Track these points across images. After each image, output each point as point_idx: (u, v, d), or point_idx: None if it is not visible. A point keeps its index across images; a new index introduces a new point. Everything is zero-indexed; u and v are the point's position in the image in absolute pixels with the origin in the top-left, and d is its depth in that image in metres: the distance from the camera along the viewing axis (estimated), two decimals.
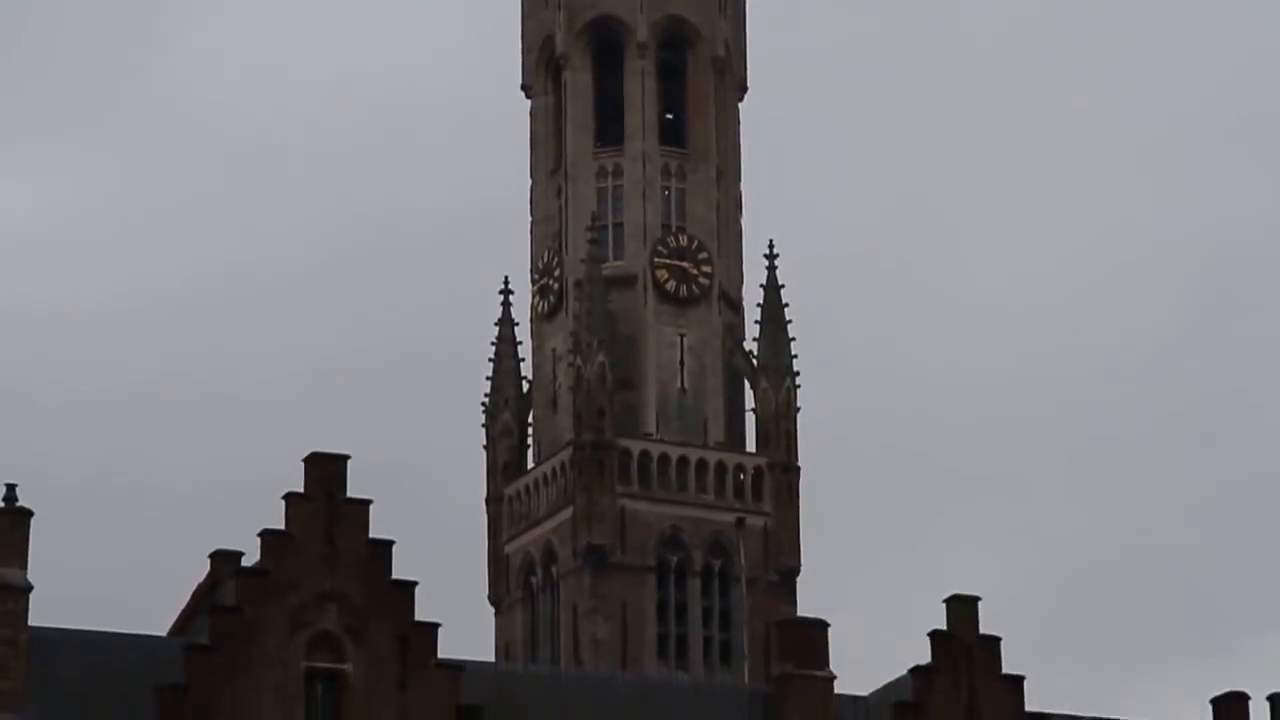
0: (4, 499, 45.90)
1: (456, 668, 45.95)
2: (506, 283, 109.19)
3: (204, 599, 48.68)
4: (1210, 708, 54.35)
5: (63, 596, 51.78)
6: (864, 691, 51.95)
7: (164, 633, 50.36)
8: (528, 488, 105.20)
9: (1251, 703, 53.49)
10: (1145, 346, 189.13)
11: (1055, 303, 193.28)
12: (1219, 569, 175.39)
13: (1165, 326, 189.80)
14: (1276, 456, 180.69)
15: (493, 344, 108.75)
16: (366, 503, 45.57)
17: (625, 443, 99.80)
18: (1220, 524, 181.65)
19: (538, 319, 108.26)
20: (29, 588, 45.44)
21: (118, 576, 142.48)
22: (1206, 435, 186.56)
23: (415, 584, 45.63)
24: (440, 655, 45.66)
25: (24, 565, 45.51)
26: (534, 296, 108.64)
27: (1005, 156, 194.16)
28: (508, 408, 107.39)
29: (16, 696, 44.31)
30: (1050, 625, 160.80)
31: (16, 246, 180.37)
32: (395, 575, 45.54)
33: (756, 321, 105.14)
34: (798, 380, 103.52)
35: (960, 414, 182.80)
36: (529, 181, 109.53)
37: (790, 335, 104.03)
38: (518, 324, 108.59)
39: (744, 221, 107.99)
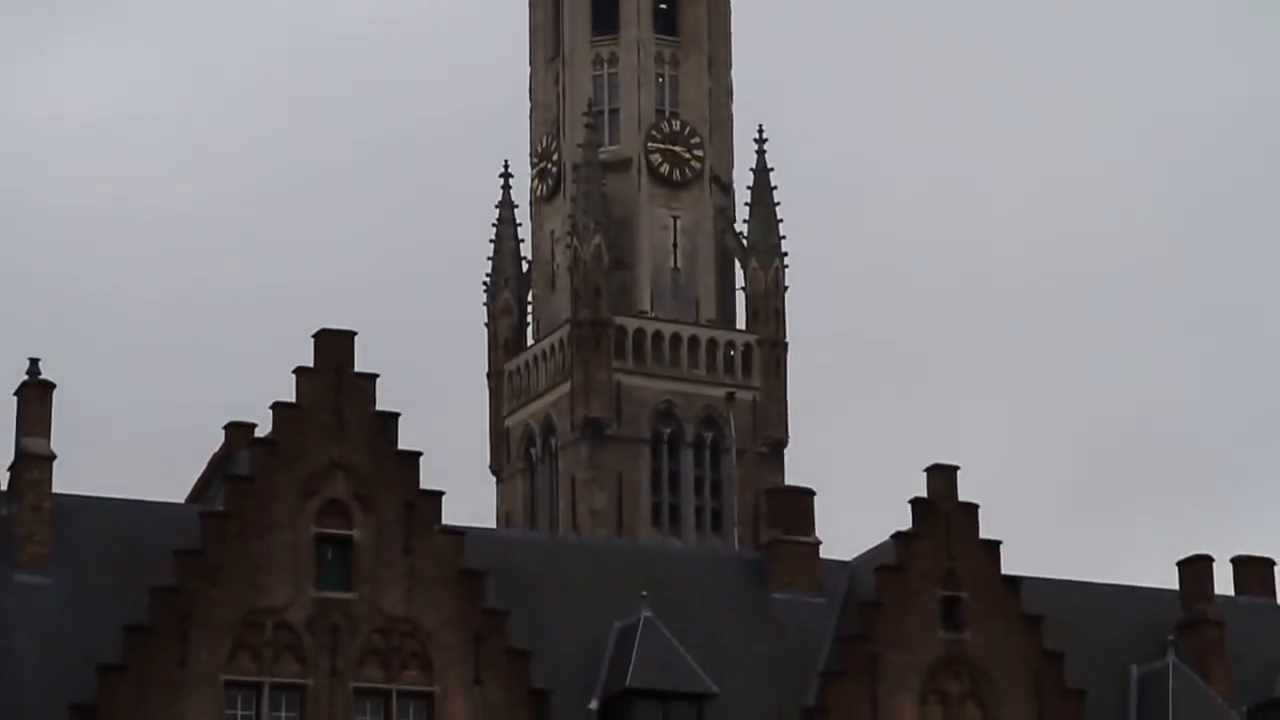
0: (28, 372, 46.40)
1: (459, 534, 46.01)
2: (506, 167, 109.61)
3: (219, 468, 48.93)
4: (1175, 569, 54.61)
5: (86, 465, 52.29)
6: (848, 556, 52.02)
7: (182, 500, 50.60)
8: (527, 364, 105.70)
9: (1215, 564, 53.72)
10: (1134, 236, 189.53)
11: (1039, 184, 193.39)
12: (1203, 439, 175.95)
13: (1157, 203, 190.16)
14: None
15: (493, 226, 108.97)
16: (373, 377, 45.65)
17: (621, 320, 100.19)
18: (1209, 397, 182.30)
19: (537, 202, 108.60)
20: (53, 456, 45.84)
21: (139, 447, 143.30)
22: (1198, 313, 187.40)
23: (420, 454, 45.64)
24: (444, 522, 45.71)
25: (48, 435, 46.02)
26: (533, 181, 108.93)
27: (995, 34, 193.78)
28: (508, 287, 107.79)
29: (43, 559, 44.78)
30: (1034, 493, 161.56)
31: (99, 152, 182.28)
32: (401, 446, 45.59)
33: (746, 204, 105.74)
34: (786, 260, 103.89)
35: (947, 290, 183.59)
36: (528, 70, 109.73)
37: (779, 217, 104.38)
38: (517, 207, 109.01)
39: (734, 107, 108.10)
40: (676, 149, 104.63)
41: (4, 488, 46.08)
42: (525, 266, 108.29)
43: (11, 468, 45.96)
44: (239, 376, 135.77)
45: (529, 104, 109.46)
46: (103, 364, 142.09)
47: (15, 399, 46.29)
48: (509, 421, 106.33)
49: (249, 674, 43.23)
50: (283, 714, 43.35)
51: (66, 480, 46.21)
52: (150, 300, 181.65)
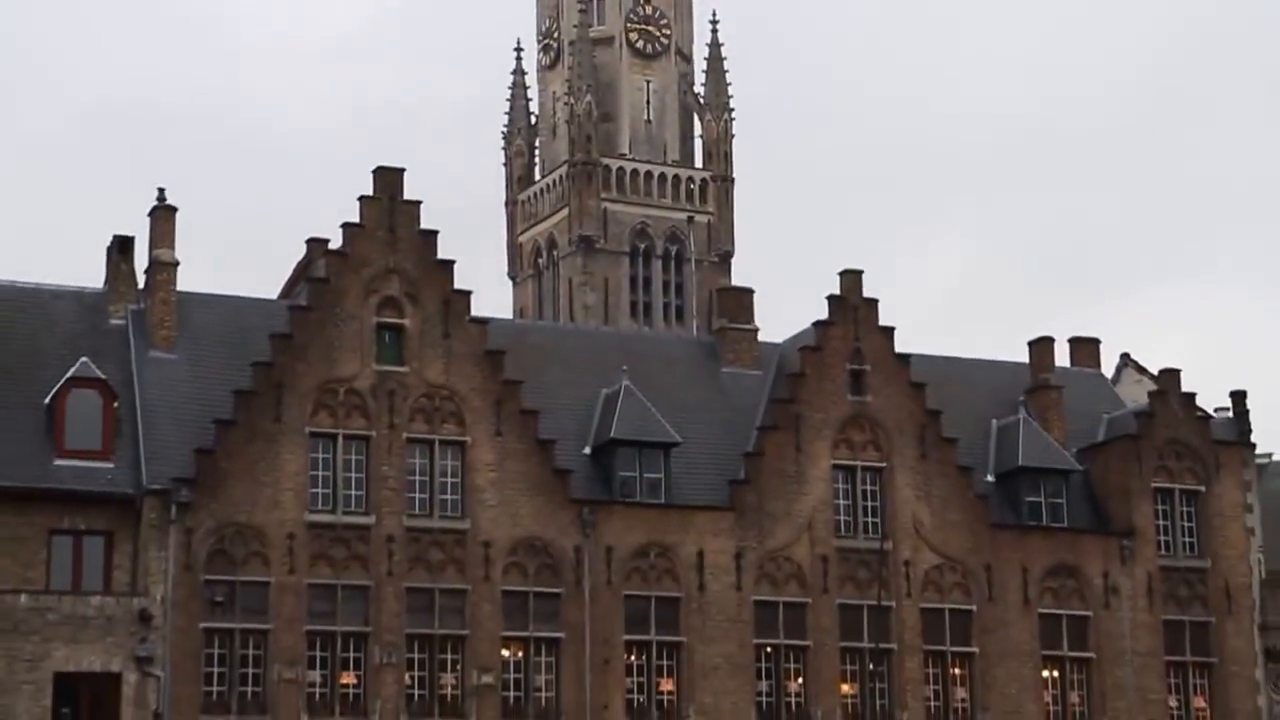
0: (157, 199, 46.95)
1: (483, 323, 46.43)
2: (518, 43, 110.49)
3: (303, 273, 49.15)
4: (1067, 346, 55.25)
5: (203, 269, 52.76)
6: (780, 339, 52.07)
7: (275, 296, 51.13)
8: (535, 194, 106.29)
9: (1056, 344, 53.93)
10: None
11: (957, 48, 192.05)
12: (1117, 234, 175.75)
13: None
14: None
15: (509, 89, 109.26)
16: (418, 203, 45.82)
17: (607, 161, 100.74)
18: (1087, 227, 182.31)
19: (542, 70, 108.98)
20: (176, 262, 46.18)
21: (242, 255, 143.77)
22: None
23: (454, 262, 45.89)
24: (472, 314, 46.04)
25: (173, 246, 46.48)
26: (539, 53, 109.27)
27: None
28: (520, 135, 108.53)
29: (171, 341, 45.43)
30: (930, 294, 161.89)
31: None
32: (440, 256, 45.79)
33: (703, 70, 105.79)
34: (733, 114, 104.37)
35: (870, 137, 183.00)
36: None
37: (728, 81, 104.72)
38: (527, 74, 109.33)
39: None
40: (649, 28, 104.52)
41: (142, 287, 46.78)
42: (533, 120, 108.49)
43: (146, 271, 46.63)
44: (318, 200, 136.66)
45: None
46: (216, 186, 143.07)
47: (148, 219, 46.97)
48: (522, 238, 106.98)
49: (327, 427, 43.82)
50: (352, 458, 43.90)
51: (188, 281, 46.84)
52: (249, 132, 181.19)
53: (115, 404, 43.46)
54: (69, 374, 43.42)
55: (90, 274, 47.55)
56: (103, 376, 43.66)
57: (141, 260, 47.08)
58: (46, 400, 43.34)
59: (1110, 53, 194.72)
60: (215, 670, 41.89)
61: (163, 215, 46.57)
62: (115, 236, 47.40)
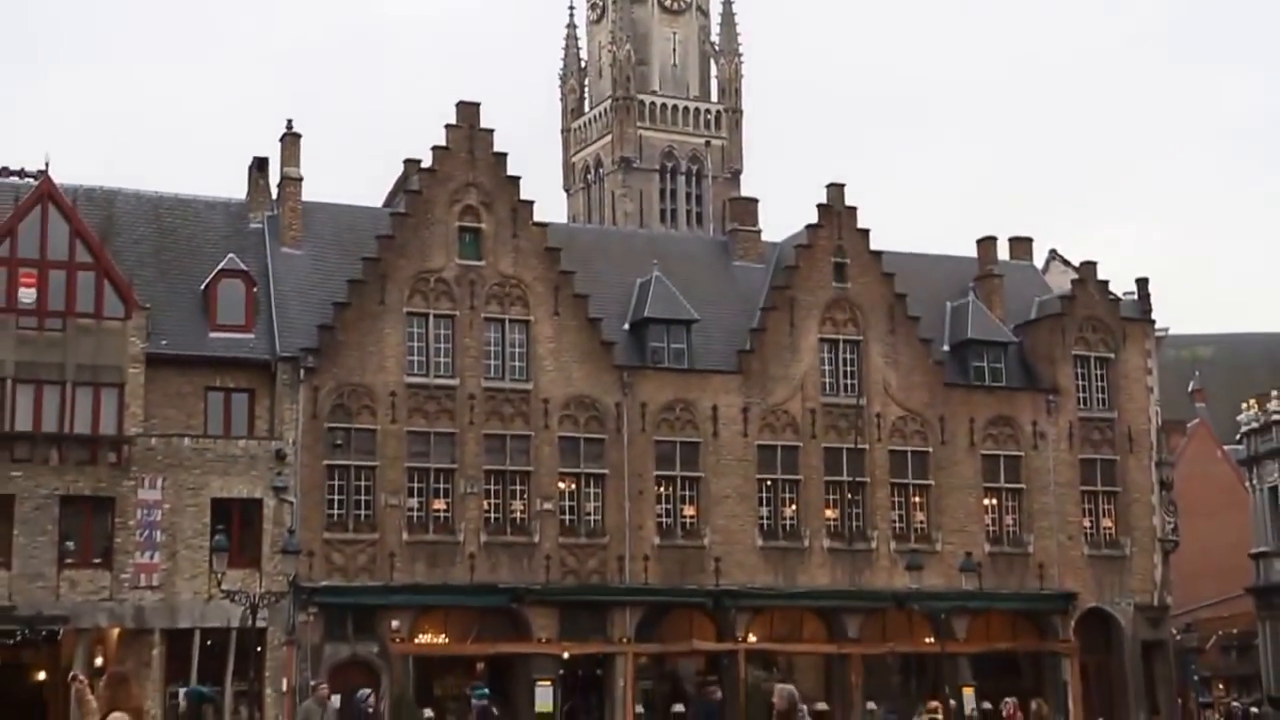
0: (287, 128, 47.03)
1: (544, 226, 46.53)
2: (571, 8, 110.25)
3: (402, 185, 49.09)
4: (1007, 245, 54.59)
5: (322, 184, 53.00)
6: (779, 239, 51.96)
7: (380, 204, 51.16)
8: (585, 123, 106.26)
9: (998, 241, 53.64)
10: None
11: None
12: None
13: None
14: None
15: (563, 39, 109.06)
16: (491, 130, 45.75)
17: (641, 97, 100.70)
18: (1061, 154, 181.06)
19: (590, 24, 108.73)
20: (301, 177, 46.38)
21: (353, 170, 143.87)
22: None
23: (520, 177, 45.82)
24: (535, 219, 46.11)
25: (298, 164, 46.56)
26: (588, 10, 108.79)
27: None
28: (573, 76, 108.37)
29: (298, 240, 45.78)
30: (912, 204, 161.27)
31: None
32: (509, 173, 45.71)
33: (718, 23, 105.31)
34: (742, 58, 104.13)
35: (859, 68, 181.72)
36: None
37: (738, 32, 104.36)
38: (577, 27, 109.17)
39: None
40: None
41: (274, 197, 47.03)
42: (583, 64, 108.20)
43: (279, 185, 46.88)
44: (413, 124, 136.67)
45: None
46: (332, 115, 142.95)
47: (279, 143, 47.11)
48: (574, 159, 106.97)
49: (420, 308, 44.07)
50: (440, 332, 44.16)
51: (311, 192, 47.14)
52: (357, 74, 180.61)
53: (255, 289, 43.85)
54: (219, 267, 43.76)
55: (234, 187, 48.26)
56: (245, 268, 44.01)
57: (274, 176, 47.27)
58: (202, 287, 43.77)
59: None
60: (335, 497, 42.50)
61: (290, 140, 46.75)
62: (254, 157, 47.61)
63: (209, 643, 40.32)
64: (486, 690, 31.52)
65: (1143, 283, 52.83)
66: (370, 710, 24.85)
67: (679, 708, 44.06)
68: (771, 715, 34.79)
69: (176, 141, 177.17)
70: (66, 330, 40.36)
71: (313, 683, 29.06)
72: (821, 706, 45.86)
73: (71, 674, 18.43)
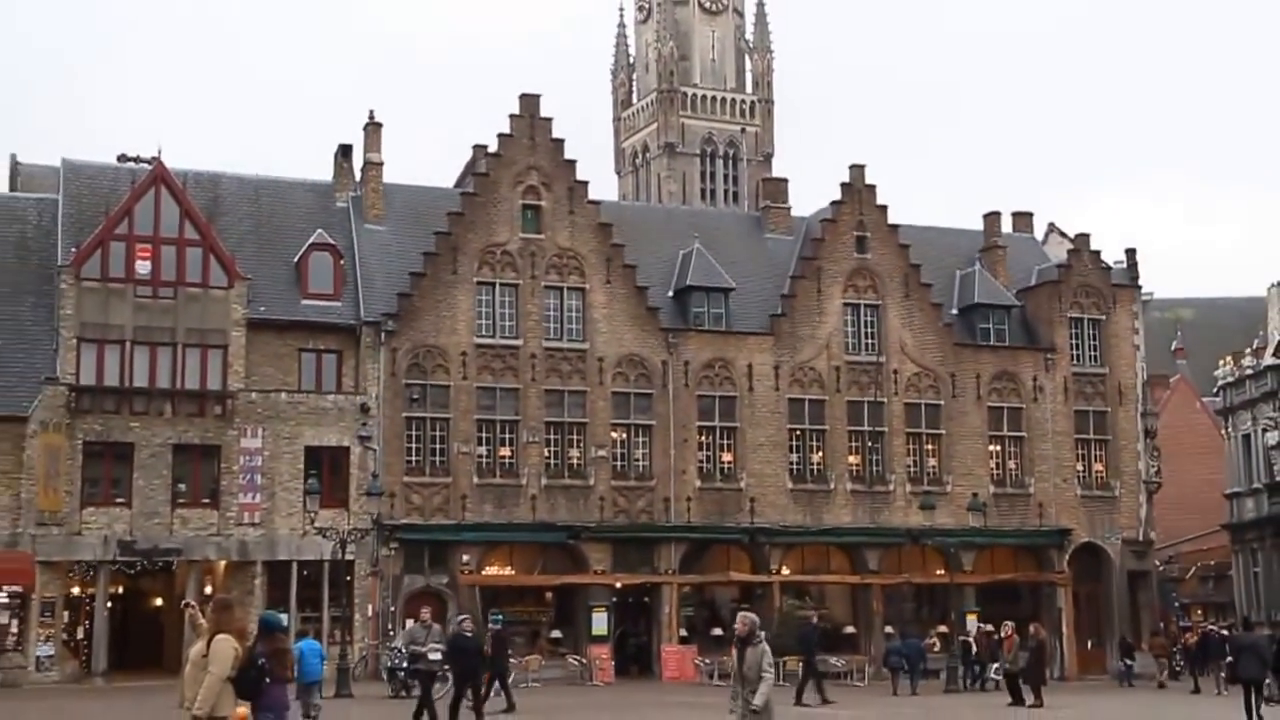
0: (369, 118, 46.41)
1: (596, 203, 46.13)
2: (621, 9, 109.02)
3: (470, 168, 48.72)
4: (1010, 218, 53.55)
5: (401, 167, 52.57)
6: (807, 214, 51.21)
7: (451, 185, 50.84)
8: (634, 113, 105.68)
9: (1002, 215, 52.64)
10: None
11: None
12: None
13: None
14: None
15: (615, 37, 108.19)
16: (550, 119, 45.20)
17: (684, 89, 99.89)
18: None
19: (637, 24, 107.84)
20: (382, 161, 46.06)
21: (426, 155, 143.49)
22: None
23: (575, 161, 45.27)
24: (589, 197, 45.67)
25: (380, 150, 46.10)
26: (635, 12, 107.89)
27: None
28: (623, 71, 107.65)
29: (380, 217, 45.36)
30: (920, 183, 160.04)
31: None
32: (566, 156, 45.21)
33: (752, 23, 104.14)
34: (773, 54, 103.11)
35: (880, 64, 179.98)
36: None
37: (769, 30, 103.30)
38: (626, 27, 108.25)
39: None
40: None
41: (358, 179, 46.59)
42: (631, 60, 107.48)
43: (362, 168, 46.42)
44: (477, 117, 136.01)
45: None
46: (409, 109, 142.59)
47: (363, 131, 46.66)
48: (624, 144, 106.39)
49: (488, 277, 43.74)
50: (506, 299, 43.83)
51: (390, 174, 46.65)
52: (438, 64, 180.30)
53: (341, 261, 43.58)
54: (310, 241, 43.57)
55: (321, 170, 47.83)
56: (333, 242, 43.74)
57: (358, 160, 46.80)
58: (295, 260, 43.53)
59: None
60: (413, 445, 42.28)
61: (372, 129, 46.26)
62: (339, 144, 47.18)
63: (304, 573, 40.48)
64: (500, 616, 31.53)
65: (1131, 252, 52.12)
66: (469, 634, 25.02)
67: (717, 631, 43.76)
68: (803, 638, 35.01)
69: (272, 125, 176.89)
70: (177, 298, 40.46)
71: (423, 611, 29.46)
72: (849, 630, 46.11)
73: (184, 601, 18.26)
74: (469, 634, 24.81)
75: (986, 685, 39.24)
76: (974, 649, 40.20)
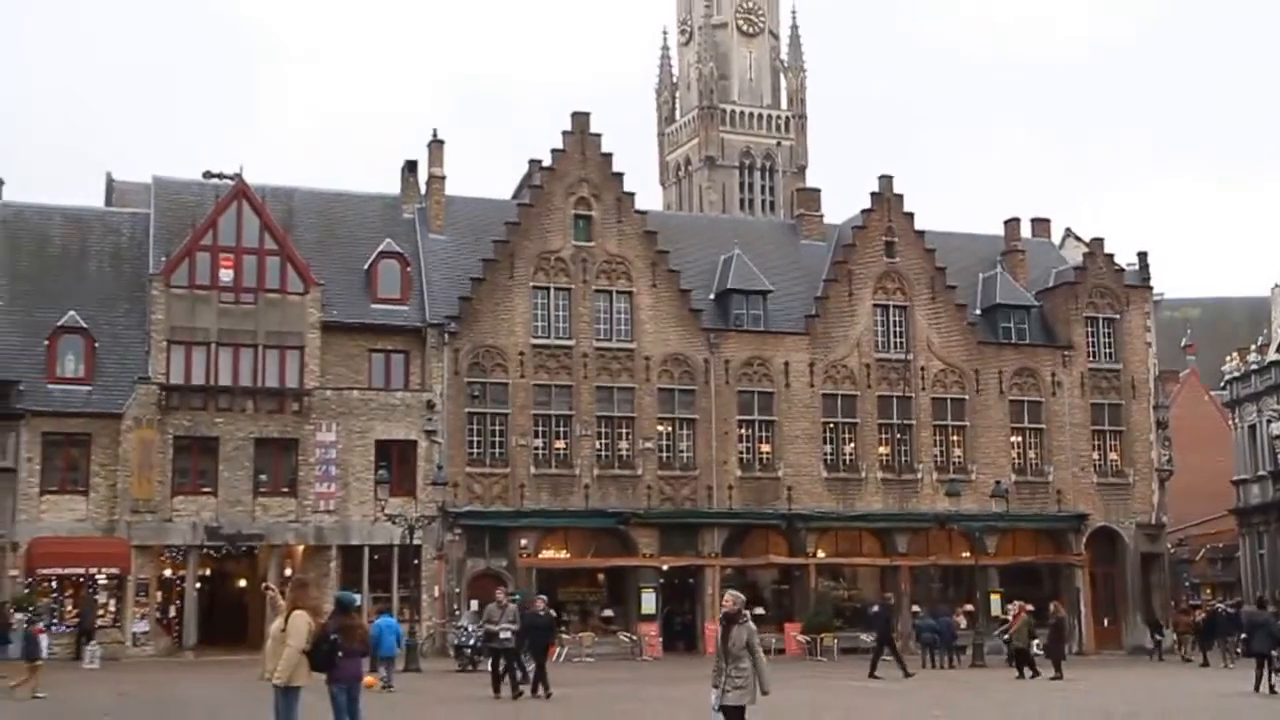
0: (433, 137, 46.39)
1: (643, 213, 46.06)
2: (665, 31, 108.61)
3: (526, 180, 48.80)
4: (1002, 226, 52.65)
5: (462, 180, 52.59)
6: (839, 221, 50.88)
7: (508, 197, 50.88)
8: (677, 128, 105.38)
9: (1021, 221, 52.26)
10: None
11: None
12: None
13: None
14: None
15: (659, 59, 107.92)
16: (599, 135, 45.20)
17: (723, 105, 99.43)
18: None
19: (680, 46, 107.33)
20: (444, 176, 46.06)
21: (486, 170, 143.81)
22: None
23: (623, 174, 45.28)
24: (636, 207, 45.63)
25: (442, 165, 46.23)
26: (678, 35, 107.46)
27: None
28: (666, 89, 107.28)
29: (442, 227, 45.42)
30: (944, 187, 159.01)
31: None
32: (614, 169, 45.19)
33: (787, 44, 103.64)
34: (806, 73, 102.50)
35: (908, 77, 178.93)
36: None
37: (802, 50, 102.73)
38: (669, 49, 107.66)
39: None
40: (750, 16, 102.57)
41: (423, 191, 46.73)
42: (674, 79, 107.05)
43: (426, 182, 46.49)
44: (531, 136, 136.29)
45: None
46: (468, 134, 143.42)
47: (426, 149, 46.80)
48: (668, 158, 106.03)
49: (542, 282, 43.78)
50: (559, 302, 43.79)
51: (452, 188, 46.68)
52: (491, 96, 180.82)
53: (408, 268, 43.72)
54: (378, 249, 43.75)
55: (389, 183, 47.77)
56: (400, 250, 43.88)
57: (423, 174, 46.92)
58: (364, 267, 43.73)
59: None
60: (474, 438, 42.37)
61: (435, 146, 46.40)
62: (405, 161, 47.36)
63: (375, 557, 40.60)
64: (519, 595, 31.65)
65: (1143, 255, 51.59)
66: (541, 613, 25.36)
67: (759, 610, 43.55)
68: (830, 612, 34.80)
69: (342, 143, 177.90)
70: (257, 303, 40.79)
71: (498, 592, 29.61)
72: (877, 608, 45.67)
73: (265, 584, 18.45)
74: (541, 613, 25.19)
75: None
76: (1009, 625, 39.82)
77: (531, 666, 24.70)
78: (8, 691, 23.65)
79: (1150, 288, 51.15)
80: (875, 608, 36.88)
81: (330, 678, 14.10)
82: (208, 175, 46.15)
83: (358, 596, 38.70)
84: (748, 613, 13.52)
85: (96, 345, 40.45)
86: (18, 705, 22.38)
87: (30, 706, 22.42)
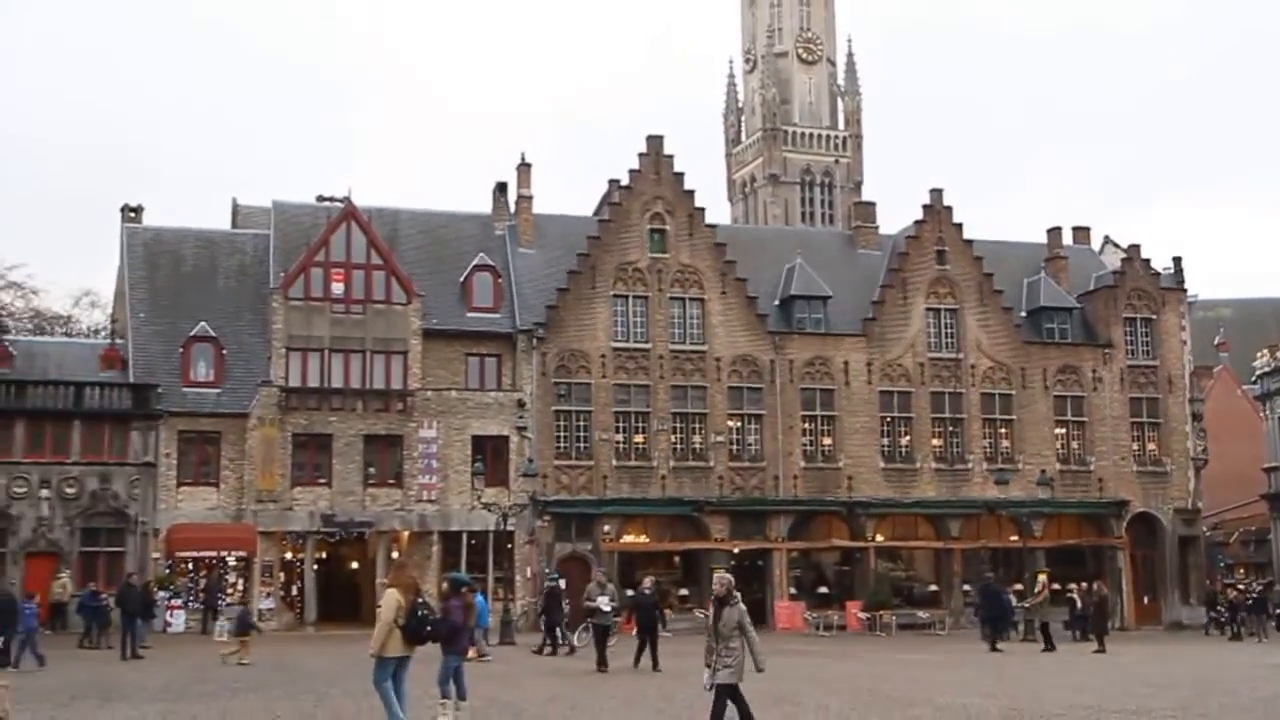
0: (521, 160, 46.48)
1: (712, 227, 45.82)
2: (730, 62, 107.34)
3: (607, 198, 48.75)
4: (1045, 235, 51.68)
5: (548, 199, 52.64)
6: (893, 232, 50.24)
7: (590, 214, 50.98)
8: (743, 149, 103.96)
9: (1063, 230, 51.29)
10: None
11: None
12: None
13: None
14: None
15: (725, 87, 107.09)
16: (672, 155, 45.02)
17: (785, 127, 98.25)
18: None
19: (745, 74, 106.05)
20: (532, 195, 46.09)
21: (573, 189, 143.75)
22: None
23: (694, 190, 45.02)
24: (706, 222, 45.38)
25: (530, 185, 46.26)
26: (743, 63, 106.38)
27: None
28: (733, 113, 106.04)
29: (531, 241, 45.37)
30: (991, 201, 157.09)
31: None
32: (686, 187, 44.98)
33: (844, 70, 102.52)
34: (861, 97, 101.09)
35: (953, 100, 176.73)
36: (740, 14, 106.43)
37: (858, 76, 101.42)
38: (735, 76, 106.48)
39: (837, 25, 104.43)
40: (810, 45, 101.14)
41: (513, 210, 46.65)
42: (740, 103, 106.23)
43: (516, 201, 46.59)
44: (608, 157, 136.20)
45: (740, 32, 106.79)
46: (551, 156, 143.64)
47: (515, 171, 46.84)
48: (735, 176, 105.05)
49: (622, 291, 43.69)
50: (638, 309, 43.67)
51: (539, 206, 46.64)
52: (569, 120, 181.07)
53: (500, 280, 43.84)
54: (473, 263, 43.94)
55: (482, 203, 47.77)
56: (492, 264, 44.05)
57: (512, 195, 47.02)
58: (461, 279, 43.88)
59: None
60: (561, 434, 42.37)
61: (524, 169, 46.45)
62: (496, 182, 47.52)
63: (473, 542, 40.74)
64: (557, 575, 31.49)
65: (1178, 260, 50.57)
66: (648, 591, 25.44)
67: (823, 589, 43.36)
68: (889, 591, 34.26)
69: (440, 167, 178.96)
70: (365, 313, 41.09)
71: (598, 572, 29.79)
72: (933, 588, 45.28)
73: (381, 580, 18.79)
74: (648, 591, 25.24)
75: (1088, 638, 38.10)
76: (1078, 604, 38.93)
77: (575, 638, 24.88)
78: (223, 659, 25.38)
79: (1185, 290, 50.14)
80: (984, 584, 35.99)
81: (447, 649, 14.58)
82: (321, 199, 46.66)
83: (467, 576, 39.21)
84: (738, 594, 12.94)
85: (225, 352, 41.05)
86: (237, 670, 23.67)
87: (245, 670, 23.63)
